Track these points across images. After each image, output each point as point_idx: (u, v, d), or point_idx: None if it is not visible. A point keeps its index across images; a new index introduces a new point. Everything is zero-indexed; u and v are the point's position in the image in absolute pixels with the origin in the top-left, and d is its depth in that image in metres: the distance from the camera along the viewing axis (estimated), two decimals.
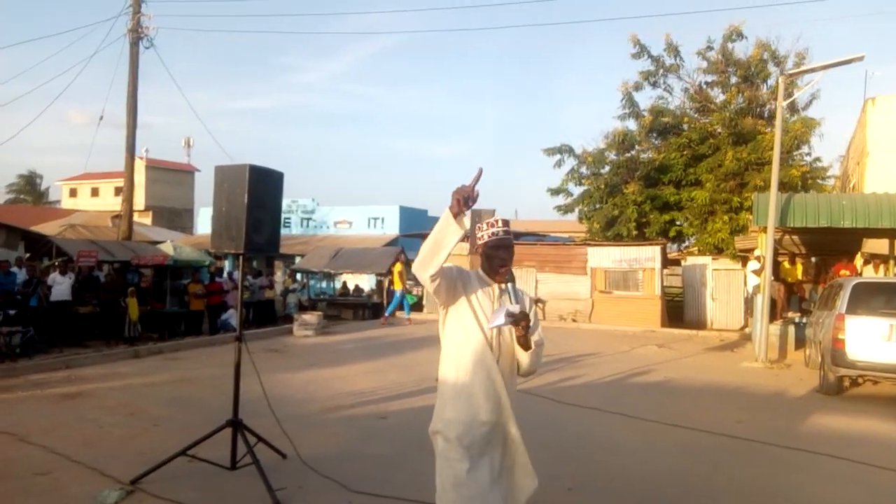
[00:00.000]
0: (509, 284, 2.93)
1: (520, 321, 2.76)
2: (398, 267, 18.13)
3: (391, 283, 18.72)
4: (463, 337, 2.92)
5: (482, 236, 2.99)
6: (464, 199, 2.68)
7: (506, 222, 3.00)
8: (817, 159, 21.33)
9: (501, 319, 2.75)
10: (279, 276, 24.45)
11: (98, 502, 4.55)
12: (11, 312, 12.00)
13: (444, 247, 2.71)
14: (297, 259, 25.51)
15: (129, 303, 14.33)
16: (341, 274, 23.69)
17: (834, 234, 12.65)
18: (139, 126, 20.09)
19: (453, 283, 2.89)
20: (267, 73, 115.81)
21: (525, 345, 2.89)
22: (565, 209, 23.87)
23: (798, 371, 11.15)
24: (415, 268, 2.78)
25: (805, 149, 20.67)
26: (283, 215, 6.41)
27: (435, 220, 2.84)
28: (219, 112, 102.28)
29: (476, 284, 3.00)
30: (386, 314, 18.06)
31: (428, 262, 2.72)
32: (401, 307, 18.37)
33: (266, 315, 18.81)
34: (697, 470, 5.66)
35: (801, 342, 12.54)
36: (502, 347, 2.98)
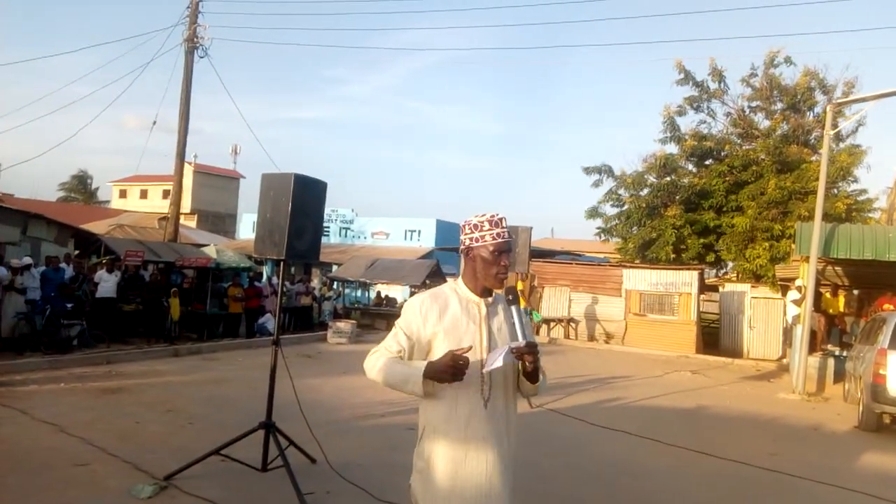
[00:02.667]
0: (513, 308, 2.38)
1: (524, 356, 2.24)
2: (520, 285, 17.31)
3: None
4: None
5: (480, 237, 2.40)
6: (456, 373, 2.18)
7: (507, 222, 2.46)
8: (863, 191, 20.88)
9: (500, 361, 2.19)
10: (316, 283, 24.76)
11: (132, 496, 4.70)
12: (69, 306, 12.45)
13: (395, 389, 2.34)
14: (335, 267, 25.82)
15: (171, 303, 14.68)
16: (376, 284, 23.86)
17: (878, 266, 12.36)
18: (189, 131, 20.59)
19: (424, 335, 2.41)
20: (314, 85, 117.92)
21: (534, 377, 2.37)
22: (605, 232, 23.66)
23: (836, 405, 10.88)
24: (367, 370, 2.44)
25: (850, 179, 20.26)
26: (323, 224, 6.53)
27: None
28: (266, 120, 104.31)
29: (454, 305, 2.43)
30: None
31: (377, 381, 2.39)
32: None
33: (303, 321, 19.09)
34: (727, 501, 5.59)
35: (840, 376, 12.22)
36: (494, 381, 2.40)
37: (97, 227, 26.14)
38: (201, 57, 20.56)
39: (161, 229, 25.91)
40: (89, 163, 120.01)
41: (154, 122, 24.60)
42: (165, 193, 37.73)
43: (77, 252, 17.06)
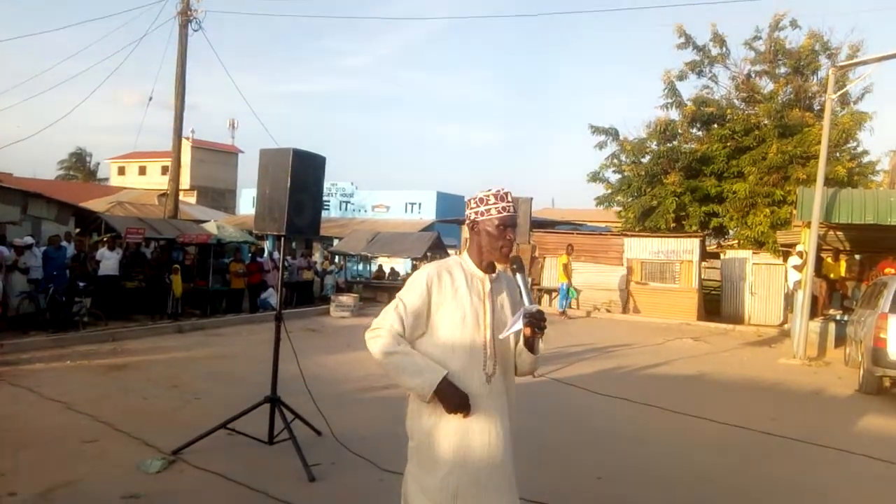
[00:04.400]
0: (519, 276, 2.41)
1: (539, 322, 2.29)
2: (564, 259, 17.18)
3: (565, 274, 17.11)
4: (444, 355, 2.37)
5: (486, 211, 2.43)
6: (459, 410, 2.30)
7: (513, 197, 2.49)
8: (865, 152, 20.74)
9: (518, 324, 2.27)
10: (317, 257, 24.81)
11: (141, 470, 4.76)
12: (82, 284, 12.56)
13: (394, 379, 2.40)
14: (335, 241, 25.84)
15: (173, 279, 14.74)
16: (377, 257, 23.92)
17: (880, 231, 12.33)
18: (186, 106, 20.45)
19: (426, 312, 2.40)
20: (311, 57, 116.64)
21: (535, 347, 2.40)
22: (605, 201, 23.59)
23: (837, 369, 10.95)
24: (369, 344, 2.41)
25: (853, 143, 20.13)
26: (323, 198, 6.54)
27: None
28: (263, 94, 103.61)
29: (459, 279, 2.44)
30: (560, 308, 16.94)
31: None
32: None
33: (304, 295, 19.17)
34: (728, 465, 5.65)
35: (841, 340, 12.27)
36: (498, 357, 2.43)
37: (97, 204, 26.10)
38: (195, 30, 20.35)
39: (161, 206, 25.88)
40: (88, 140, 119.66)
41: (150, 98, 24.30)
42: (164, 170, 37.60)
43: (78, 230, 17.08)
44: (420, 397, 2.32)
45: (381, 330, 2.37)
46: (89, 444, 5.33)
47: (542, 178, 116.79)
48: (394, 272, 24.85)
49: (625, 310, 18.59)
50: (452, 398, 2.27)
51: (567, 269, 16.97)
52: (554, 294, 19.55)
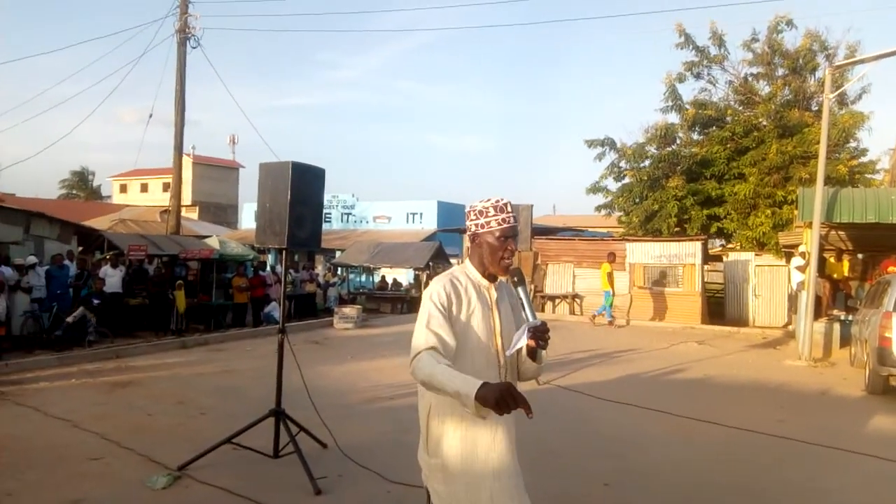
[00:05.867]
0: (520, 289, 2.42)
1: (542, 335, 2.29)
2: (607, 268, 16.69)
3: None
4: (465, 364, 2.31)
5: (486, 223, 2.43)
6: (504, 405, 1.99)
7: (513, 206, 2.48)
8: (864, 151, 20.71)
9: (524, 339, 2.25)
10: (320, 269, 24.84)
11: (147, 487, 4.76)
12: (96, 302, 12.65)
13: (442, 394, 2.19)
14: (338, 253, 25.86)
15: (176, 295, 14.76)
16: (380, 268, 23.93)
17: (882, 229, 12.30)
18: (186, 123, 20.54)
19: (451, 322, 2.34)
20: (308, 71, 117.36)
21: (538, 358, 2.44)
22: (606, 208, 23.60)
23: (842, 370, 10.91)
24: (413, 371, 2.27)
25: (853, 143, 20.13)
26: (324, 210, 6.55)
27: None
28: (262, 108, 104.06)
29: (471, 289, 2.43)
30: (608, 318, 16.58)
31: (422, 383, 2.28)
32: None
33: (307, 308, 19.17)
34: (736, 468, 5.62)
35: (846, 340, 12.22)
36: (508, 364, 2.48)
37: (99, 222, 26.18)
38: (193, 48, 20.47)
39: (163, 222, 25.91)
40: (90, 159, 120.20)
41: (150, 116, 24.40)
42: (166, 186, 37.73)
43: (80, 249, 17.12)
44: (464, 404, 2.10)
45: (420, 354, 2.25)
46: (95, 461, 5.32)
47: (542, 184, 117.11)
48: (396, 283, 24.87)
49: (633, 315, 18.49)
50: (495, 393, 2.01)
51: (611, 278, 16.69)
52: (558, 300, 19.58)
